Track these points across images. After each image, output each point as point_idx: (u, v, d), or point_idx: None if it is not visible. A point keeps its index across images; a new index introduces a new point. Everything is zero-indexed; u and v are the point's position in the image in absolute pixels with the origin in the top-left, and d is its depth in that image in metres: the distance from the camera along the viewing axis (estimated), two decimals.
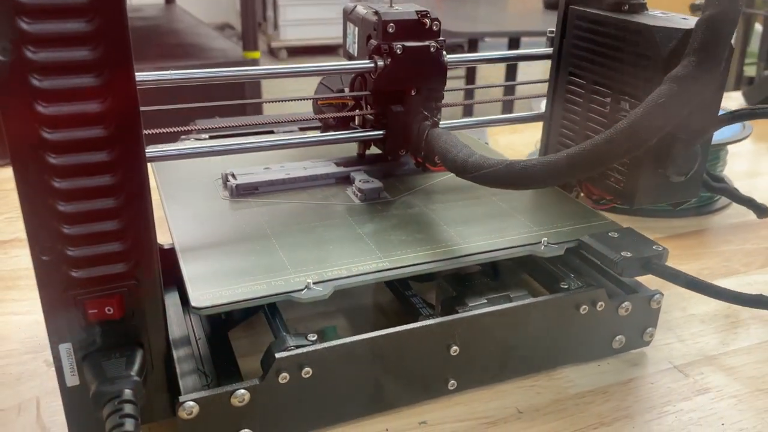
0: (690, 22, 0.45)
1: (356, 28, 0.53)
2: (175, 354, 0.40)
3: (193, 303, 0.36)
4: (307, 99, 0.54)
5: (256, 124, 0.70)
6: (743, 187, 0.76)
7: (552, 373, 0.45)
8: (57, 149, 0.30)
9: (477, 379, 0.43)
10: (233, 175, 0.51)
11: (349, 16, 0.54)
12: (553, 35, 0.55)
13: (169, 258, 0.42)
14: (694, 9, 1.76)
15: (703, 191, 0.51)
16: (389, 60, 0.48)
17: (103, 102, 0.30)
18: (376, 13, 0.49)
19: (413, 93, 0.50)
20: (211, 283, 0.38)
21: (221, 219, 0.46)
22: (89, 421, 0.36)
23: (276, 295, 0.38)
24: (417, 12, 0.49)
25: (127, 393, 0.32)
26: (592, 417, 0.42)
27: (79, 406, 0.36)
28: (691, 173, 0.46)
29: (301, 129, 0.72)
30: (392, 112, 0.50)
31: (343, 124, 0.54)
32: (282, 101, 0.51)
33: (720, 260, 0.61)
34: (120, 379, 0.33)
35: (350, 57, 0.55)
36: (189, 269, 0.40)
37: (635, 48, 0.45)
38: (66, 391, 0.35)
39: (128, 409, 0.31)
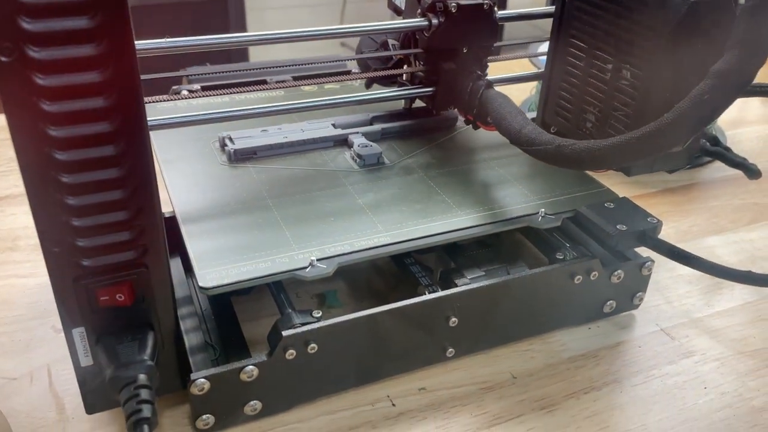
0: None
1: None
2: (183, 327, 0.41)
3: (201, 283, 0.37)
4: (352, 59, 0.54)
5: (249, 70, 0.69)
6: (730, 138, 0.77)
7: (545, 337, 0.47)
8: (63, 146, 0.30)
9: (474, 346, 0.45)
10: (231, 139, 0.50)
11: None
12: None
13: (169, 225, 0.42)
14: None
15: (699, 157, 0.52)
16: (443, 18, 0.48)
17: (106, 97, 0.30)
18: None
19: (464, 50, 0.50)
20: (216, 261, 0.39)
21: (221, 187, 0.46)
22: (103, 396, 0.38)
23: (281, 273, 0.38)
24: None
25: (142, 378, 0.33)
26: (583, 381, 0.44)
27: (93, 383, 0.37)
28: (688, 143, 0.47)
29: (295, 78, 0.71)
30: (444, 70, 0.50)
31: (388, 77, 0.54)
32: (324, 62, 0.50)
33: (708, 216, 0.63)
34: (134, 363, 0.34)
35: (396, 9, 0.54)
36: (194, 246, 0.40)
37: (640, 17, 0.45)
38: (80, 371, 0.36)
39: (144, 394, 0.33)
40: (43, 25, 0.28)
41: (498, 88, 0.62)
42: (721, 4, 0.43)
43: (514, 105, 0.45)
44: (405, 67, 0.53)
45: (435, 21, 0.48)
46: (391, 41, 0.54)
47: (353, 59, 0.56)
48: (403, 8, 0.53)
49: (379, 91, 0.52)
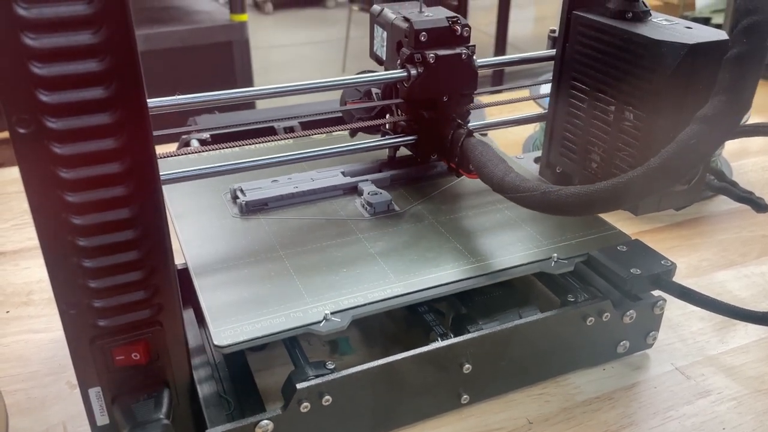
0: (695, 33, 0.45)
1: (385, 33, 0.52)
2: (196, 377, 0.41)
3: (216, 341, 0.37)
4: (336, 110, 0.55)
5: (256, 122, 0.70)
6: (735, 169, 0.77)
7: (559, 380, 0.47)
8: (80, 211, 0.31)
9: (488, 392, 0.45)
10: (242, 191, 0.51)
11: (376, 18, 0.53)
12: (555, 35, 0.55)
13: (181, 278, 0.42)
14: None
15: (704, 191, 0.52)
16: (422, 69, 0.49)
17: (122, 163, 0.31)
18: (407, 20, 0.49)
19: (445, 99, 0.51)
20: (230, 317, 0.39)
21: (234, 241, 0.47)
22: None
23: (295, 328, 0.39)
24: (448, 18, 0.49)
25: None
26: (599, 425, 0.44)
27: None
28: (694, 181, 0.47)
29: (303, 124, 0.72)
30: (425, 119, 0.51)
31: (373, 126, 0.54)
32: (311, 116, 0.51)
33: (718, 250, 0.63)
34: (150, 422, 0.34)
35: (378, 60, 0.55)
36: (207, 302, 0.40)
37: (640, 60, 0.45)
38: (97, 430, 0.37)
39: None
40: (59, 97, 0.28)
41: (503, 129, 0.63)
42: (720, 46, 0.44)
43: (496, 153, 0.46)
44: (387, 116, 0.54)
45: (414, 72, 0.49)
46: (375, 90, 0.54)
47: (338, 110, 0.57)
48: (384, 58, 0.54)
49: (364, 141, 0.52)
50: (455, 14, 0.50)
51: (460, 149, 0.48)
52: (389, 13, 0.52)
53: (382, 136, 0.54)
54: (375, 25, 0.54)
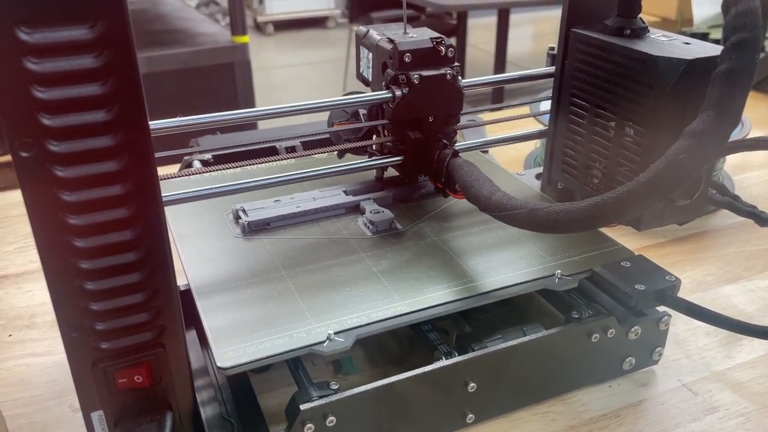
0: (693, 48, 0.45)
1: (370, 54, 0.52)
2: (199, 399, 0.41)
3: (219, 363, 0.37)
4: (325, 132, 0.55)
5: (258, 142, 0.70)
6: (737, 183, 0.77)
7: (565, 398, 0.47)
8: (82, 234, 0.31)
9: (494, 411, 0.45)
10: (244, 211, 0.51)
11: (362, 40, 0.53)
12: (554, 52, 0.55)
13: (183, 299, 0.42)
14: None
15: (707, 205, 0.52)
16: (407, 90, 0.49)
17: (124, 185, 0.31)
18: (392, 41, 0.49)
19: (431, 119, 0.51)
20: (233, 338, 0.39)
21: (236, 261, 0.47)
22: None
23: (298, 349, 0.38)
24: (432, 39, 0.49)
25: None
26: None
27: None
28: (696, 196, 0.47)
29: (304, 144, 0.72)
30: (410, 139, 0.51)
31: (359, 147, 0.54)
32: (302, 137, 0.51)
33: (722, 264, 0.62)
34: None
35: (364, 81, 0.55)
36: (210, 323, 0.40)
37: (639, 76, 0.45)
38: None
39: None
40: (61, 121, 0.29)
41: (504, 146, 0.63)
42: (717, 61, 0.44)
43: (482, 173, 0.45)
44: (374, 137, 0.54)
45: (399, 93, 0.49)
46: (362, 111, 0.54)
47: (325, 132, 0.57)
48: (370, 80, 0.54)
49: (351, 162, 0.52)
50: (439, 35, 0.50)
51: (446, 170, 0.48)
52: (374, 34, 0.52)
53: (369, 157, 0.54)
54: (361, 47, 0.54)
